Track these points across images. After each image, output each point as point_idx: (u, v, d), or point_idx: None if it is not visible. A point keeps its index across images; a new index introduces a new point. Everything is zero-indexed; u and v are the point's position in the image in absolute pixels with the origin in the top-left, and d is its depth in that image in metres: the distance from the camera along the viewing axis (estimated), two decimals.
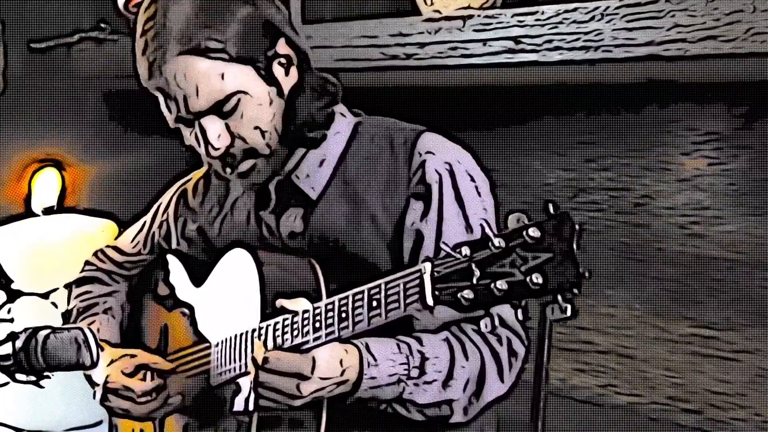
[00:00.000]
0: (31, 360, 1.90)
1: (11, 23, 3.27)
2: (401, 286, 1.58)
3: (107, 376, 2.04)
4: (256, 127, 1.89)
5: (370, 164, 1.93)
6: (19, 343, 1.90)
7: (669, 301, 2.48)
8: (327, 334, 1.70)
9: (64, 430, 2.73)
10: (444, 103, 2.79)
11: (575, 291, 1.43)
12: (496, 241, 1.46)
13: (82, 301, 2.28)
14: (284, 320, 1.77)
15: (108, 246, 2.35)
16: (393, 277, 1.61)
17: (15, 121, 3.17)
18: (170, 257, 2.15)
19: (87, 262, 2.34)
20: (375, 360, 1.74)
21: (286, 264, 1.90)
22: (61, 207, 2.87)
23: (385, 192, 1.90)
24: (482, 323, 1.56)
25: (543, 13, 2.18)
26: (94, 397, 2.07)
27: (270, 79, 1.89)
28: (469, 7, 2.37)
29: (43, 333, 1.91)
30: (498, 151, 2.62)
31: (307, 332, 1.72)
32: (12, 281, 2.70)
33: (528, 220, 1.45)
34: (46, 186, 2.90)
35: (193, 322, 2.06)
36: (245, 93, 1.87)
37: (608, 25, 2.07)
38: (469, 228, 1.86)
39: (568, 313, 1.44)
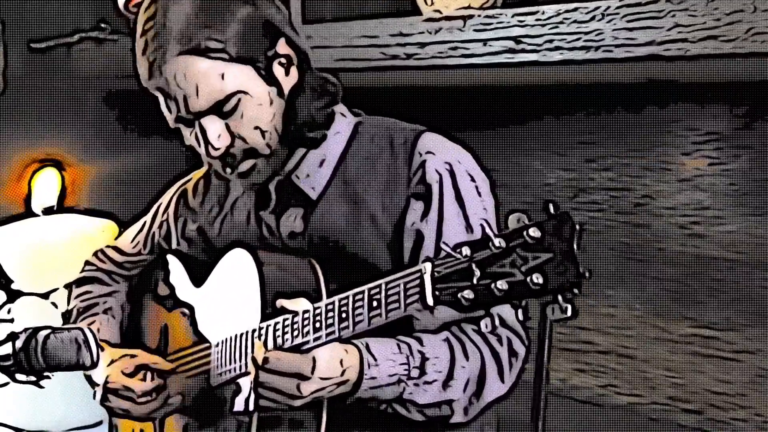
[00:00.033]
0: (31, 360, 1.90)
1: (11, 23, 3.27)
2: (401, 286, 1.58)
3: (107, 377, 2.04)
4: (256, 127, 1.89)
5: (370, 164, 1.93)
6: (19, 344, 1.90)
7: (669, 301, 2.48)
8: (327, 334, 1.70)
9: (64, 431, 2.72)
10: (444, 103, 2.79)
11: (575, 291, 1.43)
12: (497, 241, 1.46)
13: (82, 301, 2.28)
14: (284, 320, 1.76)
15: (108, 246, 2.35)
16: (393, 277, 1.60)
17: (15, 121, 3.17)
18: (170, 257, 2.15)
19: (87, 262, 2.34)
20: (375, 360, 1.74)
21: (286, 264, 1.90)
22: (61, 207, 2.87)
23: (385, 192, 1.90)
24: (482, 323, 1.56)
25: (543, 13, 2.18)
26: (94, 397, 2.07)
27: (270, 79, 1.89)
28: (469, 7, 2.37)
29: (43, 333, 1.90)
30: (498, 151, 2.62)
31: (308, 332, 1.72)
32: (12, 281, 2.70)
33: (528, 220, 1.45)
34: (46, 186, 2.90)
35: (193, 323, 2.06)
36: (245, 93, 1.87)
37: (609, 25, 2.07)
38: (469, 228, 1.86)
39: (569, 313, 1.44)
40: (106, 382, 2.04)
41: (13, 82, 3.27)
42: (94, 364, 1.92)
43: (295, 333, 1.74)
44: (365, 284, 1.65)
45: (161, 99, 1.90)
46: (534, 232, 1.44)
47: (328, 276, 1.85)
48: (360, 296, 1.65)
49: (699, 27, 1.93)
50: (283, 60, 1.91)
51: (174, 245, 2.19)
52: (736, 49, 1.89)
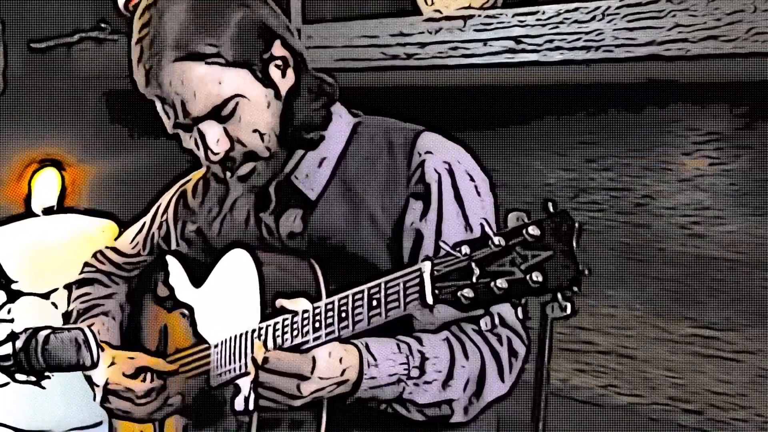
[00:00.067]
0: (32, 360, 1.90)
1: (11, 23, 3.27)
2: (401, 285, 1.58)
3: (107, 378, 2.04)
4: (255, 130, 1.89)
5: (370, 164, 1.93)
6: (19, 344, 1.90)
7: (670, 301, 2.48)
8: (327, 334, 1.70)
9: (64, 431, 2.72)
10: (444, 103, 2.79)
11: (575, 289, 1.43)
12: (496, 240, 1.46)
13: (81, 303, 2.28)
14: (284, 320, 1.76)
15: (107, 247, 2.34)
16: (393, 276, 1.60)
17: (15, 121, 3.17)
18: (170, 258, 2.15)
19: (86, 264, 2.34)
20: (375, 360, 1.74)
21: (285, 264, 1.90)
22: (61, 207, 2.87)
23: (384, 192, 1.90)
24: (482, 322, 1.56)
25: (544, 13, 2.17)
26: (94, 399, 2.07)
27: (267, 82, 1.89)
28: (469, 7, 2.37)
29: (43, 333, 1.91)
30: (498, 151, 2.62)
31: (307, 332, 1.72)
32: (12, 281, 2.70)
33: (527, 219, 1.45)
34: (46, 186, 2.90)
35: (193, 323, 2.06)
36: (243, 96, 1.86)
37: (609, 25, 2.07)
38: (468, 227, 1.86)
39: (568, 311, 1.44)
40: (106, 383, 2.04)
41: (13, 82, 3.27)
42: (95, 365, 1.92)
43: (295, 333, 1.74)
44: (365, 284, 1.65)
45: (159, 105, 1.90)
46: (533, 230, 1.44)
47: (328, 276, 1.85)
48: (359, 296, 1.65)
49: (699, 27, 1.93)
50: (279, 62, 1.90)
51: (173, 246, 2.18)
52: (737, 49, 1.89)
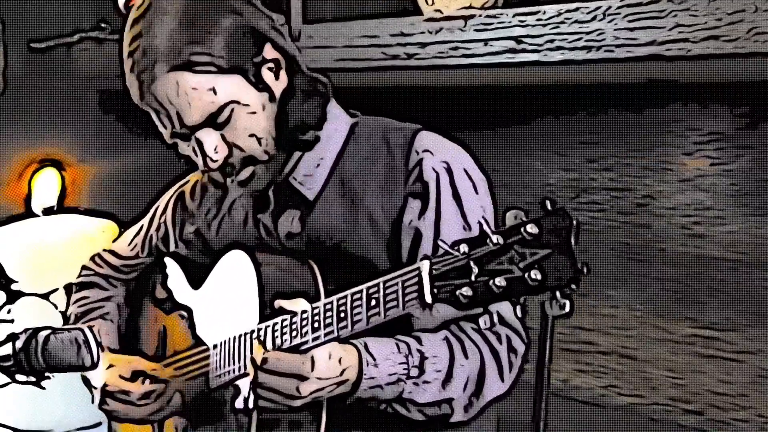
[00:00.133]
0: (32, 361, 1.90)
1: (11, 23, 3.27)
2: (400, 284, 1.58)
3: (105, 380, 2.04)
4: (252, 135, 1.88)
5: (368, 164, 1.93)
6: (19, 344, 1.90)
7: (670, 301, 2.48)
8: (326, 334, 1.70)
9: (64, 431, 2.72)
10: (445, 103, 2.79)
11: (573, 287, 1.43)
12: (494, 238, 1.46)
13: (79, 306, 2.28)
14: (283, 321, 1.76)
15: (105, 250, 2.34)
16: (391, 275, 1.60)
17: (15, 121, 3.17)
18: (168, 260, 2.15)
19: (84, 267, 2.34)
20: (374, 360, 1.74)
21: (284, 265, 1.89)
22: (61, 207, 2.87)
23: (382, 191, 1.90)
24: (481, 320, 1.57)
25: (544, 12, 2.17)
26: (92, 401, 2.07)
27: (261, 86, 1.89)
28: (470, 7, 2.37)
29: (43, 334, 1.91)
30: (499, 151, 2.62)
31: (306, 332, 1.72)
32: (12, 282, 2.69)
33: (526, 217, 1.46)
34: (46, 186, 2.89)
35: (192, 325, 2.05)
36: (237, 102, 1.86)
37: (610, 25, 2.07)
38: (467, 226, 1.86)
39: (567, 309, 1.44)
40: (104, 385, 2.03)
41: (13, 82, 3.27)
42: (95, 365, 1.92)
43: (294, 333, 1.74)
44: (363, 283, 1.65)
45: (155, 117, 1.90)
46: (531, 228, 1.44)
47: (327, 276, 1.85)
48: (358, 295, 1.65)
49: (700, 27, 1.93)
50: (271, 65, 1.90)
51: (172, 248, 2.18)
52: (738, 49, 1.88)
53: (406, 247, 1.87)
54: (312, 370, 1.70)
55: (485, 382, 1.83)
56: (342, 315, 1.67)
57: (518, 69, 2.26)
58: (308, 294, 1.80)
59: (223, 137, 1.88)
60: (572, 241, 1.43)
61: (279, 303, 1.78)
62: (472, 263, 1.47)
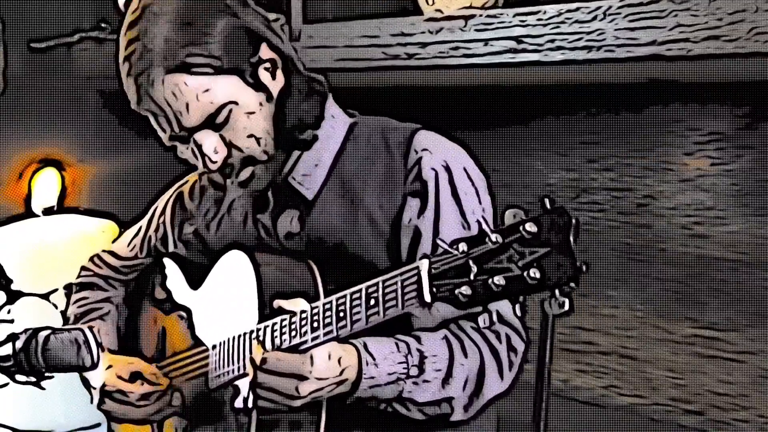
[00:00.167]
0: (32, 361, 1.90)
1: (11, 23, 3.27)
2: (399, 283, 1.58)
3: (104, 381, 2.03)
4: (251, 135, 1.88)
5: (367, 163, 1.93)
6: (19, 344, 1.90)
7: (671, 301, 2.48)
8: (325, 334, 1.70)
9: None
10: (446, 103, 2.79)
11: (573, 285, 1.43)
12: (493, 237, 1.46)
13: (78, 307, 2.28)
14: (282, 321, 1.76)
15: (104, 251, 2.34)
16: (390, 274, 1.60)
17: (15, 121, 3.17)
18: (167, 260, 2.15)
19: (83, 268, 2.34)
20: (374, 359, 1.74)
21: (283, 265, 1.89)
22: (61, 207, 2.86)
23: (381, 190, 1.90)
24: (480, 319, 1.56)
25: (545, 12, 2.17)
26: (91, 401, 2.07)
27: (258, 86, 1.89)
28: (470, 7, 2.37)
29: (43, 334, 1.91)
30: (499, 151, 2.62)
31: (305, 332, 1.72)
32: (12, 282, 2.69)
33: (525, 216, 1.45)
34: (46, 186, 2.89)
35: (191, 325, 2.05)
36: (235, 103, 1.86)
37: (610, 25, 2.06)
38: (466, 224, 1.86)
39: (566, 307, 1.44)
40: (104, 385, 2.03)
41: (13, 82, 3.27)
42: (95, 365, 1.92)
43: (293, 333, 1.74)
44: (363, 283, 1.65)
45: (153, 120, 1.90)
46: (530, 227, 1.44)
47: (326, 276, 1.85)
48: (357, 295, 1.65)
49: (701, 27, 1.93)
50: (268, 65, 1.90)
51: (171, 248, 2.18)
52: (738, 49, 1.88)
53: (405, 246, 1.87)
54: (311, 370, 1.70)
55: (485, 381, 1.82)
56: (341, 315, 1.67)
57: (519, 69, 2.26)
58: (307, 294, 1.80)
59: (222, 138, 1.88)
60: (571, 240, 1.43)
61: (278, 303, 1.78)
62: (471, 262, 1.47)
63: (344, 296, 1.67)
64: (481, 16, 2.29)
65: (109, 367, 2.05)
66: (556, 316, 1.45)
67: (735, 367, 2.38)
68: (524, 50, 2.21)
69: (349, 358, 1.73)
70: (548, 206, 1.45)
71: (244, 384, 1.85)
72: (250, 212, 2.02)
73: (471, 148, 1.94)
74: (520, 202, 1.52)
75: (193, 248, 2.13)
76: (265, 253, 1.93)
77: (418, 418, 1.83)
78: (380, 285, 1.61)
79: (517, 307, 1.49)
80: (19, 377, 1.94)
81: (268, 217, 1.99)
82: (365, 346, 1.74)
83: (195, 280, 2.06)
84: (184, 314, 2.08)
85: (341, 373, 1.72)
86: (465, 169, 1.90)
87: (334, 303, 1.69)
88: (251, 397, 1.77)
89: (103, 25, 3.29)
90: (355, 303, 1.65)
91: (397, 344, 1.77)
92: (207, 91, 1.84)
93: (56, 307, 2.65)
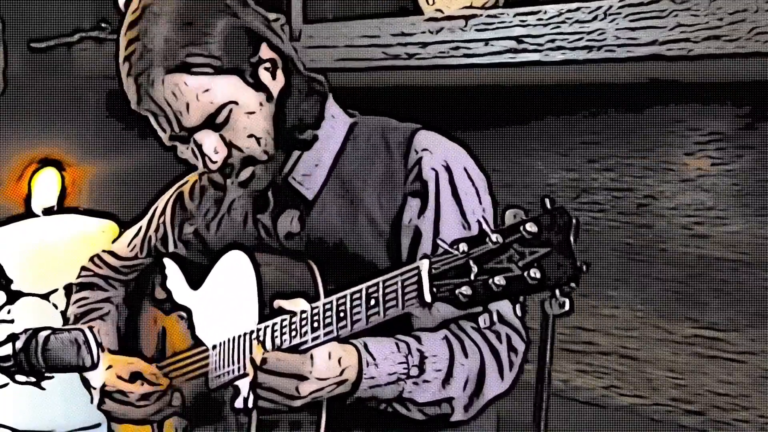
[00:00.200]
0: (32, 361, 1.90)
1: (11, 23, 3.27)
2: (399, 283, 1.58)
3: (104, 381, 2.03)
4: (251, 135, 1.88)
5: (367, 163, 1.93)
6: (19, 344, 1.90)
7: (672, 302, 2.47)
8: (325, 334, 1.69)
9: None
10: (446, 103, 2.79)
11: (573, 285, 1.43)
12: (494, 237, 1.46)
13: (78, 307, 2.28)
14: (282, 321, 1.76)
15: (104, 251, 2.34)
16: (390, 275, 1.60)
17: (15, 121, 3.17)
18: (167, 261, 2.15)
19: (83, 268, 2.34)
20: (374, 359, 1.74)
21: (283, 265, 1.89)
22: (61, 207, 2.86)
23: (381, 190, 1.90)
24: (480, 319, 1.56)
25: (545, 12, 2.17)
26: (91, 401, 2.07)
27: (258, 86, 1.88)
28: (471, 7, 2.36)
29: (43, 334, 1.91)
30: (500, 151, 2.62)
31: (306, 332, 1.72)
32: (12, 282, 2.69)
33: (525, 216, 1.45)
34: (46, 186, 2.89)
35: (191, 325, 2.05)
36: (235, 103, 1.86)
37: (611, 25, 2.06)
38: (466, 224, 1.86)
39: (567, 307, 1.44)
40: (104, 385, 2.03)
41: (13, 82, 3.27)
42: (95, 365, 1.92)
43: (293, 333, 1.74)
44: (363, 283, 1.65)
45: (153, 120, 1.90)
46: (530, 227, 1.44)
47: (326, 276, 1.85)
48: (357, 295, 1.65)
49: (701, 27, 1.93)
50: (267, 64, 1.90)
51: (171, 248, 2.18)
52: (739, 49, 1.88)
53: (405, 246, 1.87)
54: (311, 370, 1.70)
55: (485, 381, 1.82)
56: (341, 315, 1.67)
57: (519, 69, 2.26)
58: (308, 294, 1.80)
59: (222, 138, 1.88)
60: (572, 240, 1.43)
61: (278, 303, 1.78)
62: (471, 262, 1.47)
63: (344, 296, 1.67)
64: (481, 16, 2.29)
65: (109, 367, 2.05)
66: (557, 316, 1.45)
67: (736, 367, 2.37)
68: (525, 50, 2.21)
69: (350, 358, 1.73)
70: (548, 206, 1.45)
71: (244, 384, 1.85)
72: (250, 212, 2.02)
73: (471, 148, 1.94)
74: (520, 202, 1.52)
75: (193, 248, 2.13)
76: (265, 253, 1.93)
77: (419, 418, 1.83)
78: (380, 285, 1.61)
79: (518, 307, 1.49)
80: (19, 377, 1.94)
81: (268, 217, 1.99)
82: (365, 346, 1.74)
83: (195, 280, 2.06)
84: (184, 314, 2.07)
85: (341, 373, 1.72)
86: (465, 169, 1.90)
87: (334, 303, 1.68)
88: (251, 397, 1.77)
89: (103, 25, 3.29)
90: (355, 303, 1.65)
91: (397, 344, 1.77)
92: (207, 91, 1.84)
93: (56, 307, 2.65)
